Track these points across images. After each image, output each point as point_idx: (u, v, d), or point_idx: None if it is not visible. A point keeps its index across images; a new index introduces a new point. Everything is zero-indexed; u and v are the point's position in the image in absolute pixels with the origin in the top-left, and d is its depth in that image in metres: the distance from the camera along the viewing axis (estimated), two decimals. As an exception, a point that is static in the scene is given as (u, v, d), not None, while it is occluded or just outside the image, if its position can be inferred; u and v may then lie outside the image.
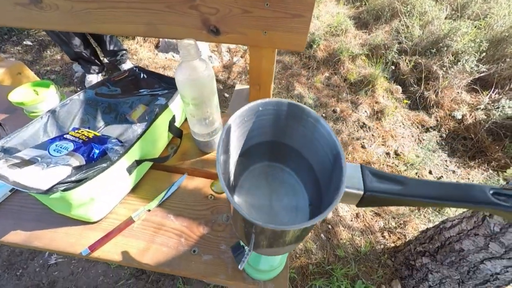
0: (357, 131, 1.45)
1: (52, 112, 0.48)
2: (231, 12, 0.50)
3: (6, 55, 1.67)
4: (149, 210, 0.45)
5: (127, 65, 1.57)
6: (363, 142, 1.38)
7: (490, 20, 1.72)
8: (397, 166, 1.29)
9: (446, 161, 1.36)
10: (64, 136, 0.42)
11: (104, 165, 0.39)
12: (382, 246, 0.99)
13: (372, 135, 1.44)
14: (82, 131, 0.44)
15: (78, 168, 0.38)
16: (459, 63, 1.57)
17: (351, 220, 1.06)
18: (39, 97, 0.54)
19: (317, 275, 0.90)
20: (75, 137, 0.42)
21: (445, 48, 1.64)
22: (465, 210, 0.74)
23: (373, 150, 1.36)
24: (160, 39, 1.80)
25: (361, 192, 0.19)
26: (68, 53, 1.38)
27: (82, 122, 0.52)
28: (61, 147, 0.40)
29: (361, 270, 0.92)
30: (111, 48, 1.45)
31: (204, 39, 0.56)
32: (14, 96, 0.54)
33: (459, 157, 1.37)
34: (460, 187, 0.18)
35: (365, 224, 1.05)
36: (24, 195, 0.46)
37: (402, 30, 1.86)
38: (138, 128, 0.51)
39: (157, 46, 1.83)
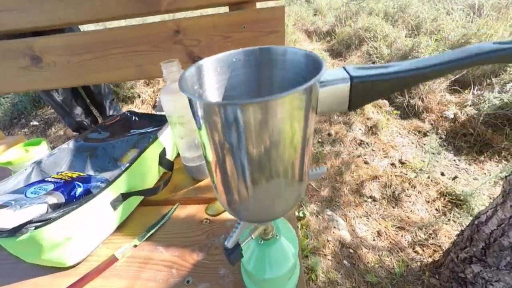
0: (356, 149, 1.44)
1: (38, 162, 0.47)
2: (212, 40, 0.56)
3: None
4: (135, 246, 0.40)
5: None
6: (365, 158, 1.36)
7: (443, 33, 1.94)
8: (406, 174, 1.22)
9: (454, 160, 1.30)
10: (45, 179, 0.41)
11: (92, 194, 0.37)
12: (418, 263, 0.84)
13: (372, 149, 1.42)
14: (65, 173, 0.44)
15: (55, 207, 0.36)
16: None
17: (374, 240, 0.94)
18: (28, 155, 0.54)
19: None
20: (57, 178, 0.41)
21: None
22: (495, 197, 0.66)
23: (377, 164, 1.31)
24: (157, 99, 1.96)
25: (348, 83, 0.16)
26: (70, 125, 1.46)
27: (69, 169, 0.51)
28: (39, 189, 0.38)
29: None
30: (111, 113, 1.55)
31: None
32: (2, 157, 0.54)
33: (467, 154, 1.32)
34: (454, 51, 0.15)
35: (390, 242, 0.92)
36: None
37: (373, 52, 2.07)
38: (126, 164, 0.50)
39: (154, 106, 1.99)
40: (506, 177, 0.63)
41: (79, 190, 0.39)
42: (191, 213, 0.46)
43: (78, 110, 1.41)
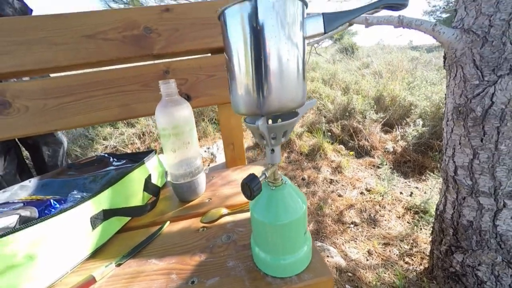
0: (329, 187, 1.56)
1: None
2: (198, 79, 0.64)
3: None
4: (118, 265, 0.34)
5: None
6: (338, 192, 1.48)
7: (364, 91, 2.59)
8: (374, 198, 1.34)
9: (405, 182, 1.51)
10: (10, 201, 0.35)
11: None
12: (414, 273, 0.83)
13: (342, 185, 1.56)
14: (36, 196, 0.38)
15: (27, 220, 0.30)
16: (366, 117, 2.16)
17: (367, 260, 0.91)
18: None
19: None
20: (26, 199, 0.35)
21: (353, 111, 2.28)
22: (439, 184, 0.78)
23: (349, 195, 1.43)
24: None
25: (321, 16, 0.23)
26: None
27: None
28: (4, 208, 0.32)
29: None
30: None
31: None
32: None
33: (412, 176, 1.56)
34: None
35: (382, 258, 0.91)
36: None
37: (321, 108, 2.54)
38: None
39: None
40: (440, 167, 0.79)
41: (56, 207, 0.34)
42: (184, 226, 0.43)
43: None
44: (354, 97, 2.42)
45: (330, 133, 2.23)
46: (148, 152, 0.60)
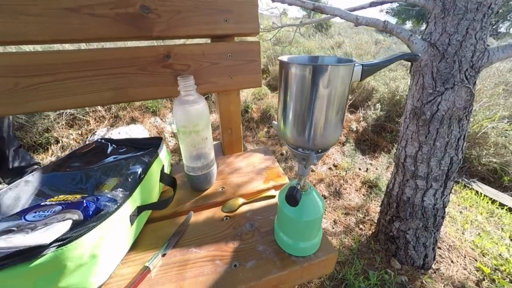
0: None
1: None
2: (201, 66, 0.63)
3: None
4: (164, 255, 0.39)
5: None
6: (311, 167, 1.65)
7: None
8: (340, 173, 1.57)
9: (363, 158, 1.79)
10: (41, 204, 0.35)
11: (110, 210, 0.35)
12: (365, 237, 1.09)
13: None
14: (64, 197, 0.38)
15: (76, 223, 0.32)
16: None
17: (333, 228, 1.14)
18: None
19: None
20: (59, 200, 0.36)
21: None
22: (387, 163, 1.01)
23: (320, 170, 1.63)
24: (87, 142, 1.66)
25: (361, 66, 0.29)
26: None
27: (35, 201, 0.42)
28: (43, 211, 0.33)
29: (364, 264, 0.96)
30: (16, 164, 1.16)
31: (176, 94, 0.64)
32: None
33: (368, 154, 1.85)
34: (389, 56, 0.32)
35: (344, 226, 1.15)
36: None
37: None
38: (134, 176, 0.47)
39: None
40: (394, 153, 0.99)
41: (92, 208, 0.36)
42: (208, 216, 0.49)
43: None
44: None
45: None
46: (154, 139, 0.60)
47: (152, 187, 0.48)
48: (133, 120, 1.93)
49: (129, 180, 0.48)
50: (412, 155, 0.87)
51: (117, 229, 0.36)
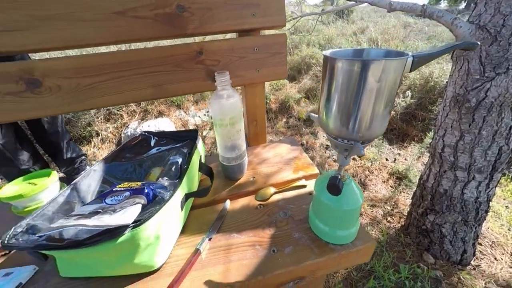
0: (325, 152, 1.71)
1: (74, 184, 0.45)
2: (230, 60, 0.65)
3: None
4: (210, 239, 0.43)
5: None
6: (334, 158, 1.63)
7: None
8: (365, 164, 1.53)
9: (390, 148, 1.72)
10: (113, 189, 0.41)
11: (165, 197, 0.39)
12: (393, 230, 1.07)
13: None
14: (127, 184, 0.43)
15: (144, 207, 0.37)
16: None
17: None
18: (38, 187, 0.49)
19: (363, 279, 0.87)
20: (126, 187, 0.41)
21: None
22: (419, 153, 0.96)
23: None
24: (122, 135, 1.80)
25: (411, 58, 0.28)
26: (9, 175, 1.14)
27: (101, 188, 0.49)
28: (117, 196, 0.38)
29: (393, 257, 0.95)
30: (69, 155, 1.29)
31: (208, 88, 0.68)
32: (6, 191, 0.47)
33: (396, 143, 1.77)
34: (444, 45, 0.29)
35: (370, 218, 1.14)
36: (40, 284, 0.37)
37: (319, 74, 2.55)
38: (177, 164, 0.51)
39: (118, 144, 1.80)
40: (430, 143, 0.94)
41: (151, 194, 0.41)
42: (243, 204, 0.52)
43: (25, 156, 1.13)
44: None
45: None
46: (191, 131, 0.63)
47: (193, 176, 0.52)
48: (160, 114, 2.04)
49: (172, 169, 0.52)
50: (451, 144, 0.82)
51: (172, 213, 0.40)
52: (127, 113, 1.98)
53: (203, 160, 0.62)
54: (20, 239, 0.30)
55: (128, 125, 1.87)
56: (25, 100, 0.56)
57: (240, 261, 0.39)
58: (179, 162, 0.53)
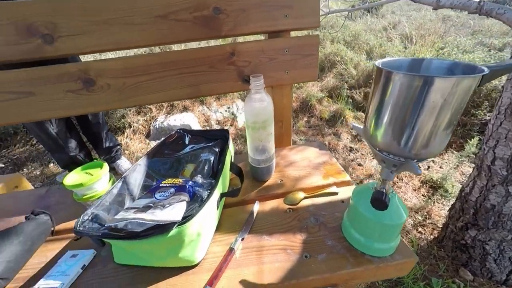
0: (349, 155, 1.65)
1: (124, 178, 0.49)
2: (260, 62, 0.66)
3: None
4: (242, 239, 0.45)
5: (122, 161, 1.53)
6: (358, 161, 1.56)
7: (389, 56, 2.45)
8: (392, 170, 1.45)
9: (423, 155, 1.60)
10: (160, 185, 0.44)
11: (204, 195, 0.41)
12: (425, 241, 1.00)
13: (362, 154, 1.64)
14: (171, 180, 0.46)
15: (188, 204, 0.40)
16: None
17: (387, 226, 1.08)
18: (94, 177, 0.53)
19: (389, 293, 0.83)
20: (170, 183, 0.44)
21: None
22: (470, 170, 0.87)
23: (369, 165, 1.53)
24: (151, 127, 1.91)
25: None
26: (61, 161, 1.31)
27: (144, 188, 0.52)
28: (164, 192, 0.41)
29: (424, 269, 0.89)
30: (107, 144, 1.43)
31: (239, 89, 0.69)
32: (70, 180, 0.53)
33: (430, 150, 1.65)
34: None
35: (400, 226, 1.08)
36: (99, 267, 0.41)
37: (344, 73, 2.45)
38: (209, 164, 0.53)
39: (148, 135, 1.92)
40: (475, 154, 0.86)
41: (191, 191, 0.43)
42: (273, 206, 0.53)
43: (73, 144, 1.27)
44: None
45: (351, 100, 2.22)
46: (221, 131, 0.65)
47: (226, 176, 0.54)
48: (185, 109, 2.12)
49: (205, 168, 0.55)
50: (504, 157, 0.74)
51: (210, 212, 0.42)
52: (156, 106, 2.09)
53: (232, 160, 0.64)
54: (87, 227, 0.34)
55: (157, 118, 1.98)
56: (82, 97, 0.63)
57: (272, 264, 0.40)
58: (211, 161, 0.56)
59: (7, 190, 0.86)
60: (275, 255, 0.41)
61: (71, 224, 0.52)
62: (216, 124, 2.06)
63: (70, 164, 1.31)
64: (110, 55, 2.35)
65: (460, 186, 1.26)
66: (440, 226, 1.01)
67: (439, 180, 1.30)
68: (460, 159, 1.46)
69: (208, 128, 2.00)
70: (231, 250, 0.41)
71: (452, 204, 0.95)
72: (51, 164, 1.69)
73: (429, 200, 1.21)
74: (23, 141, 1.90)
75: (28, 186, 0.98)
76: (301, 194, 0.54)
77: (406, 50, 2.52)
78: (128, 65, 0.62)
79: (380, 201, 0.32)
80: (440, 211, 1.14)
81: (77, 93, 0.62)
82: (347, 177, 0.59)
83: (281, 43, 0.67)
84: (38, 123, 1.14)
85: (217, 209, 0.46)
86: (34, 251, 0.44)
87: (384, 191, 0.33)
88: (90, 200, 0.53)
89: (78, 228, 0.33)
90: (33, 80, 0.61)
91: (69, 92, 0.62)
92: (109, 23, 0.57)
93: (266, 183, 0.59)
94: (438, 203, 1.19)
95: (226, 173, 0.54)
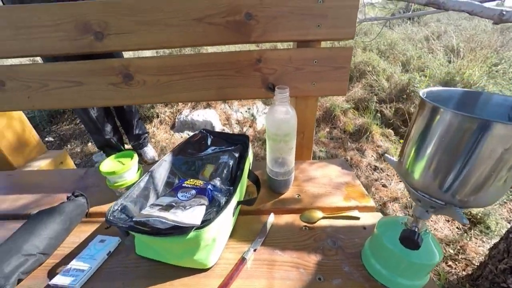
0: (372, 174, 1.55)
1: (151, 172, 0.51)
2: (286, 70, 0.66)
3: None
4: (255, 250, 0.45)
5: (148, 148, 1.64)
6: (382, 182, 1.46)
7: (429, 71, 2.24)
8: (423, 194, 1.33)
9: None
10: (183, 185, 0.46)
11: (222, 201, 0.42)
12: (455, 276, 0.90)
13: (387, 174, 1.53)
14: (193, 181, 0.48)
15: (206, 207, 0.41)
16: None
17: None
18: (125, 166, 0.57)
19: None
20: (192, 184, 0.45)
21: (413, 93, 2.03)
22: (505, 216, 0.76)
23: (395, 187, 1.42)
24: (176, 120, 2.02)
25: None
26: (97, 142, 1.45)
27: (167, 184, 0.54)
28: (186, 193, 0.43)
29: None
30: (137, 132, 1.56)
31: (262, 96, 0.70)
32: (105, 167, 0.58)
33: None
34: None
35: (426, 257, 0.98)
36: (122, 256, 0.44)
37: (374, 84, 2.31)
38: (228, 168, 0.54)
39: (172, 127, 2.04)
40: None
41: (210, 196, 0.45)
42: (288, 221, 0.51)
43: (108, 128, 1.42)
44: (416, 76, 2.12)
45: (380, 115, 2.08)
46: (241, 136, 0.64)
47: (244, 183, 0.54)
48: (208, 105, 2.20)
49: (224, 172, 0.56)
50: None
51: (227, 219, 0.43)
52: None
53: (250, 167, 0.64)
54: (116, 217, 0.37)
55: (182, 111, 2.09)
56: (121, 90, 0.69)
57: (283, 280, 0.39)
58: (230, 165, 0.56)
59: (54, 165, 0.98)
60: (286, 272, 0.41)
61: (102, 208, 0.57)
62: (236, 123, 2.09)
63: (105, 146, 1.46)
64: (147, 53, 2.54)
65: (507, 224, 1.12)
66: (476, 264, 0.90)
67: (479, 214, 1.15)
68: (510, 197, 1.28)
69: (228, 126, 2.04)
70: (243, 260, 0.42)
71: (495, 244, 0.84)
72: (89, 144, 1.87)
73: (465, 234, 1.08)
74: (69, 120, 2.15)
75: (71, 163, 1.10)
76: (319, 213, 0.52)
77: (450, 64, 2.28)
78: (163, 64, 0.67)
79: (411, 240, 0.29)
80: (478, 247, 1.01)
81: (117, 86, 0.69)
82: (371, 202, 0.55)
83: (310, 53, 0.65)
84: (83, 107, 1.28)
85: (233, 216, 0.47)
86: (71, 231, 0.49)
87: (416, 230, 0.30)
88: (120, 188, 0.58)
89: (109, 217, 0.36)
90: (84, 71, 0.68)
91: (111, 84, 0.69)
92: (150, 24, 0.62)
93: (283, 196, 0.58)
94: (476, 238, 1.06)
95: (244, 181, 0.54)
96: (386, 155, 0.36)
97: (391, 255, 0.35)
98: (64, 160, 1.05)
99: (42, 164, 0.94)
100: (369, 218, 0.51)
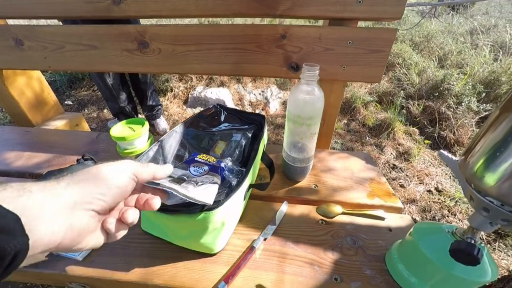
0: (390, 173, 1.46)
1: (161, 142, 0.48)
2: (313, 50, 0.58)
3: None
4: (265, 239, 0.41)
5: (160, 120, 1.65)
6: (401, 182, 1.37)
7: (469, 68, 2.01)
8: (444, 201, 1.24)
9: (489, 192, 1.33)
10: (195, 158, 0.42)
11: (233, 182, 0.38)
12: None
13: (406, 175, 1.44)
14: (206, 156, 0.44)
15: (220, 187, 0.37)
16: (462, 104, 1.75)
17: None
18: (136, 133, 0.55)
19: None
20: (205, 160, 0.41)
21: (447, 92, 1.85)
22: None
23: (413, 189, 1.33)
24: (189, 95, 1.99)
25: None
26: (112, 109, 1.48)
27: (176, 157, 0.51)
28: (198, 168, 0.39)
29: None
30: (150, 102, 1.56)
31: (282, 75, 0.63)
32: (115, 131, 0.55)
33: (501, 188, 1.35)
34: None
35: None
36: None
37: (403, 78, 2.12)
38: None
39: (185, 102, 2.01)
40: None
41: (222, 175, 0.40)
42: (303, 212, 0.47)
43: (123, 96, 1.43)
44: (454, 72, 1.90)
45: (405, 111, 1.92)
46: (257, 116, 0.60)
47: (256, 165, 0.50)
48: (222, 84, 2.14)
49: (236, 151, 0.51)
50: None
51: (237, 202, 0.39)
52: (196, 77, 2.17)
53: (264, 149, 0.59)
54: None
55: (195, 88, 2.06)
56: (135, 57, 0.66)
57: (295, 276, 0.36)
58: (243, 145, 0.52)
59: (70, 126, 1.00)
60: (299, 268, 0.37)
61: (110, 175, 0.55)
62: (249, 105, 2.02)
63: (119, 113, 1.48)
64: (165, 22, 2.46)
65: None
66: (497, 277, 0.84)
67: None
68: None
69: (240, 107, 1.98)
70: (252, 248, 0.38)
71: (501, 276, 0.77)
72: (105, 110, 1.91)
73: (489, 246, 1.00)
74: (87, 86, 2.19)
75: (86, 126, 1.12)
76: (338, 208, 0.47)
77: (496, 62, 2.02)
78: (180, 32, 0.62)
79: (467, 254, 0.24)
80: (501, 260, 0.94)
81: (132, 52, 0.65)
82: (398, 203, 0.49)
83: (345, 32, 0.57)
84: (99, 74, 1.30)
85: (244, 200, 0.43)
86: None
87: (473, 242, 0.25)
88: (130, 156, 0.56)
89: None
90: (99, 35, 0.65)
91: (125, 51, 0.65)
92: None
93: (298, 184, 0.54)
94: (500, 251, 0.98)
95: (257, 163, 0.50)
96: (441, 151, 0.30)
97: (427, 264, 0.30)
98: (79, 122, 1.06)
99: (59, 124, 0.95)
100: (396, 220, 0.45)
